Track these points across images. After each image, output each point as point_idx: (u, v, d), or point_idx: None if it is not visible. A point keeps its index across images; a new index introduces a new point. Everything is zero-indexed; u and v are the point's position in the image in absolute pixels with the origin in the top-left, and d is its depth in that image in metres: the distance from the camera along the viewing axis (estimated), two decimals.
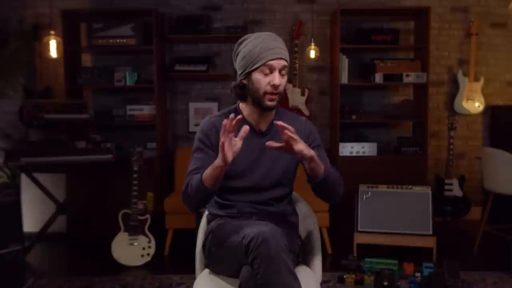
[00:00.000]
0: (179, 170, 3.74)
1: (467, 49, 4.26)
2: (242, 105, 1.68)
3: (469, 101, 4.22)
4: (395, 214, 3.23)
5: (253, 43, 1.56)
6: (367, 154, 3.89)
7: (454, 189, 3.92)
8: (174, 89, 4.23)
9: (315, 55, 4.01)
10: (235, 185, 1.62)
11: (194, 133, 3.78)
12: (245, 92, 1.61)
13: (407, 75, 3.91)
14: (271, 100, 1.56)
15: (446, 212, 3.92)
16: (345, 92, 4.10)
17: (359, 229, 3.23)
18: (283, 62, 1.56)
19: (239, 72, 1.61)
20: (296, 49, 4.12)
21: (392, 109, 4.20)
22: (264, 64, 1.53)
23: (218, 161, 1.42)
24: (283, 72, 1.57)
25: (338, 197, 1.65)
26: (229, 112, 1.67)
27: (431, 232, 3.17)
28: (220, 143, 1.37)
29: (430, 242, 3.16)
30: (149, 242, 3.21)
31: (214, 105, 4.20)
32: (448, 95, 4.35)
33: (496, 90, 4.36)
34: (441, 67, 4.33)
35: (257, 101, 1.59)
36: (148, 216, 3.23)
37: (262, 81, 1.55)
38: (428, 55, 3.90)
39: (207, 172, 1.46)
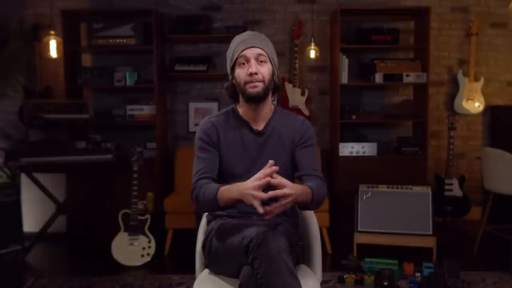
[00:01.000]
0: (179, 170, 3.75)
1: (467, 49, 4.27)
2: (238, 105, 1.71)
3: (469, 101, 4.23)
4: (395, 214, 3.22)
5: (234, 41, 1.63)
6: (367, 154, 3.89)
7: (454, 189, 3.92)
8: (174, 89, 4.23)
9: (315, 55, 4.01)
10: None
11: (194, 133, 3.83)
12: (236, 90, 1.65)
13: (407, 75, 3.91)
14: (252, 87, 1.57)
15: (446, 212, 3.92)
16: (345, 92, 4.10)
17: (359, 229, 3.22)
18: (257, 50, 1.58)
19: (228, 72, 1.69)
20: (296, 49, 4.12)
21: (392, 109, 4.20)
22: (239, 57, 1.58)
23: (243, 197, 1.42)
24: (261, 58, 1.59)
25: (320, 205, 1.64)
26: (227, 113, 1.71)
27: (431, 232, 3.16)
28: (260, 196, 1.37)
29: (430, 242, 3.16)
30: (149, 242, 3.20)
31: (214, 105, 4.20)
32: (448, 95, 4.35)
33: (496, 90, 4.36)
34: (441, 67, 4.33)
35: (243, 95, 1.61)
36: (148, 216, 3.23)
37: (241, 73, 1.59)
38: (428, 55, 3.90)
39: (225, 194, 1.47)
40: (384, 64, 3.95)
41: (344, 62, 3.94)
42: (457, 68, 4.31)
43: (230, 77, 1.66)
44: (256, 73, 1.56)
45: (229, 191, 1.46)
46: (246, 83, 1.58)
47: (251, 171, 1.61)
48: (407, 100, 4.19)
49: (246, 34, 1.63)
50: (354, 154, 3.88)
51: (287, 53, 4.21)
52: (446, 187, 3.91)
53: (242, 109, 1.68)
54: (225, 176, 1.63)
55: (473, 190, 4.26)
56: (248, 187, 1.39)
